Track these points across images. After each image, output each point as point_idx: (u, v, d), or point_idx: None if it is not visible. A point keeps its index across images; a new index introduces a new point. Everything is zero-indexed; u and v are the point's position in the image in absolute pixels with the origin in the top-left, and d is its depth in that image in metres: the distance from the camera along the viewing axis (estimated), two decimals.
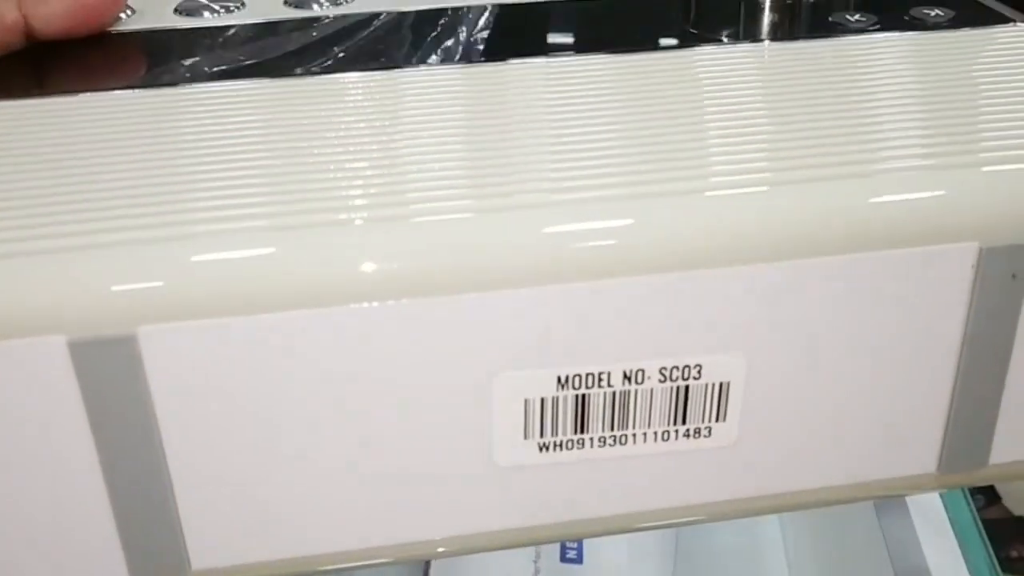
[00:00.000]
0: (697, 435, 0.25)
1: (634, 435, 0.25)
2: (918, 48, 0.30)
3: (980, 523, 0.35)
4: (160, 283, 0.22)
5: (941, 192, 0.24)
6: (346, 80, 0.29)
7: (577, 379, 0.24)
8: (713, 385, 0.25)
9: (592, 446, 0.25)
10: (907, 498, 0.35)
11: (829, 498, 0.27)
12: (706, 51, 0.30)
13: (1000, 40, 0.30)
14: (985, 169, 0.24)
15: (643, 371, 0.24)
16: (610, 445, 0.25)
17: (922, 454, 0.26)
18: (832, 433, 0.26)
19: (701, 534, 0.40)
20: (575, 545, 0.38)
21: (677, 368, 0.24)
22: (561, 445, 0.25)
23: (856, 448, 0.26)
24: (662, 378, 0.24)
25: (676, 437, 0.25)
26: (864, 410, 0.25)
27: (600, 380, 0.24)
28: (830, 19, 0.32)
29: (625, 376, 0.24)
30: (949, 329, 0.25)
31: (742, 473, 0.26)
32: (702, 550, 0.39)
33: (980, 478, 0.27)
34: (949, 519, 0.34)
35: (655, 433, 0.25)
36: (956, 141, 0.25)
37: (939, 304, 0.24)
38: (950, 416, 0.26)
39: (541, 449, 0.25)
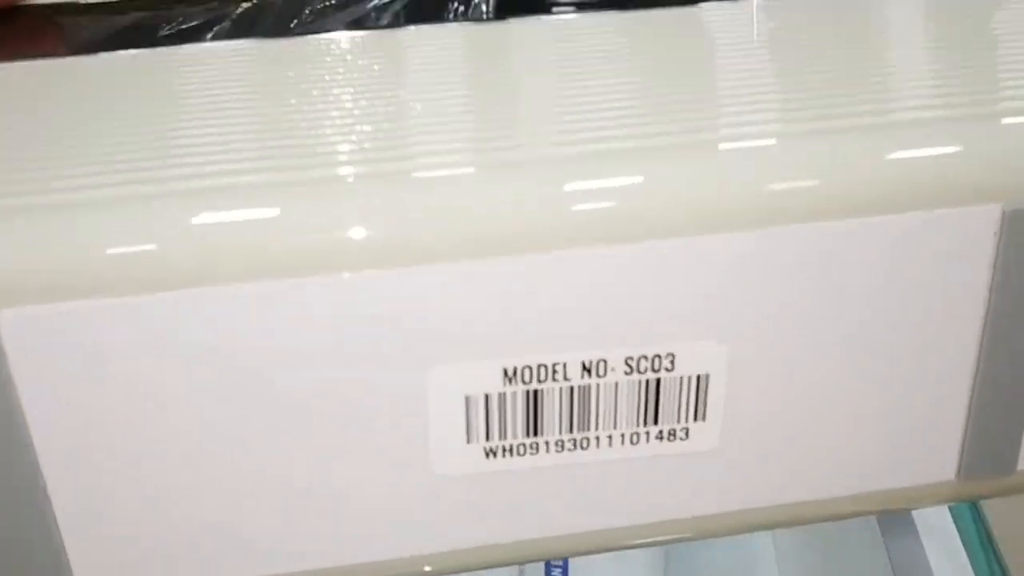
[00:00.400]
0: (672, 437, 0.21)
1: (597, 438, 0.21)
2: None
3: (991, 540, 0.31)
4: (24, 259, 0.19)
5: (957, 146, 0.20)
6: (314, 42, 0.25)
7: (527, 371, 0.20)
8: (689, 378, 0.21)
9: (548, 451, 0.21)
10: (913, 511, 0.32)
11: (828, 512, 0.23)
12: (712, 5, 0.26)
13: None
14: (1009, 120, 0.21)
15: (605, 361, 0.21)
16: (569, 450, 0.21)
17: (938, 459, 0.22)
18: (831, 436, 0.22)
19: (692, 543, 0.36)
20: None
21: (646, 358, 0.21)
22: (511, 450, 0.21)
23: (860, 453, 0.22)
24: (628, 370, 0.21)
25: (647, 440, 0.21)
26: (869, 407, 0.22)
27: (555, 372, 0.21)
28: None
29: (584, 368, 0.21)
30: (968, 309, 0.21)
31: (726, 483, 0.22)
32: (693, 560, 0.35)
33: (1007, 487, 0.23)
34: (959, 535, 0.31)
35: (622, 436, 0.21)
36: (976, 90, 0.21)
37: (955, 278, 0.21)
38: (970, 413, 0.22)
39: (488, 455, 0.21)
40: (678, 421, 0.21)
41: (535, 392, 0.21)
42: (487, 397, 0.21)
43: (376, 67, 0.24)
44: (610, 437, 0.21)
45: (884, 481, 0.22)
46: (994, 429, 0.22)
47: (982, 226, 0.20)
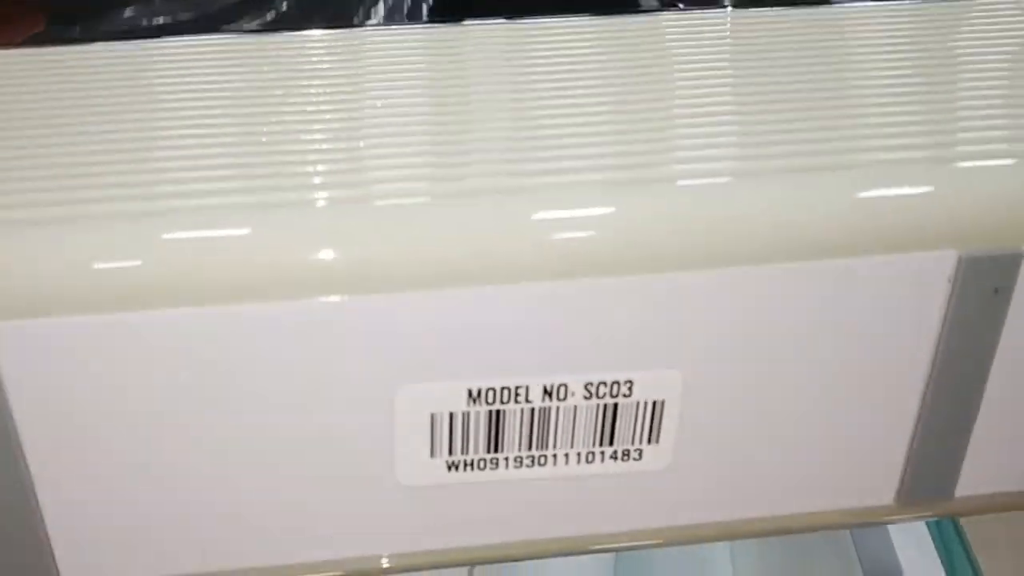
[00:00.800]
0: (626, 458, 0.22)
1: (555, 456, 0.22)
2: (905, 18, 0.27)
3: (961, 536, 0.32)
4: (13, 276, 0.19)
5: (914, 191, 0.21)
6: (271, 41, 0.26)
7: (491, 393, 0.21)
8: (645, 403, 0.22)
9: (507, 467, 0.22)
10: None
11: (770, 528, 0.24)
12: (672, 18, 0.26)
13: (1000, 10, 0.27)
14: (965, 164, 0.21)
15: (566, 386, 0.21)
16: (527, 466, 0.22)
17: (879, 484, 0.23)
18: (778, 459, 0.23)
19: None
20: None
21: (604, 384, 0.21)
22: (472, 464, 0.22)
23: (805, 476, 0.23)
24: (587, 394, 0.21)
25: (602, 460, 0.22)
26: (816, 435, 0.23)
27: (517, 395, 0.21)
28: None
29: (545, 391, 0.21)
30: (918, 348, 0.22)
31: (675, 500, 0.23)
32: (644, 555, 0.37)
33: (943, 511, 0.24)
34: (929, 529, 0.32)
35: (578, 455, 0.22)
36: (934, 131, 0.22)
37: (908, 320, 0.21)
38: (913, 443, 0.23)
39: (450, 468, 0.22)
40: (632, 443, 0.22)
41: (497, 412, 0.21)
42: (451, 415, 0.21)
43: (352, 76, 0.24)
44: (567, 455, 0.22)
45: (826, 502, 0.24)
46: (934, 460, 0.23)
47: (937, 270, 0.21)
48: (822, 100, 0.23)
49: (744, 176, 0.21)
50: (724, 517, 0.23)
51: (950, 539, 0.33)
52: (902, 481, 0.23)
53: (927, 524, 0.33)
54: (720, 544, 0.35)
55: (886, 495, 0.23)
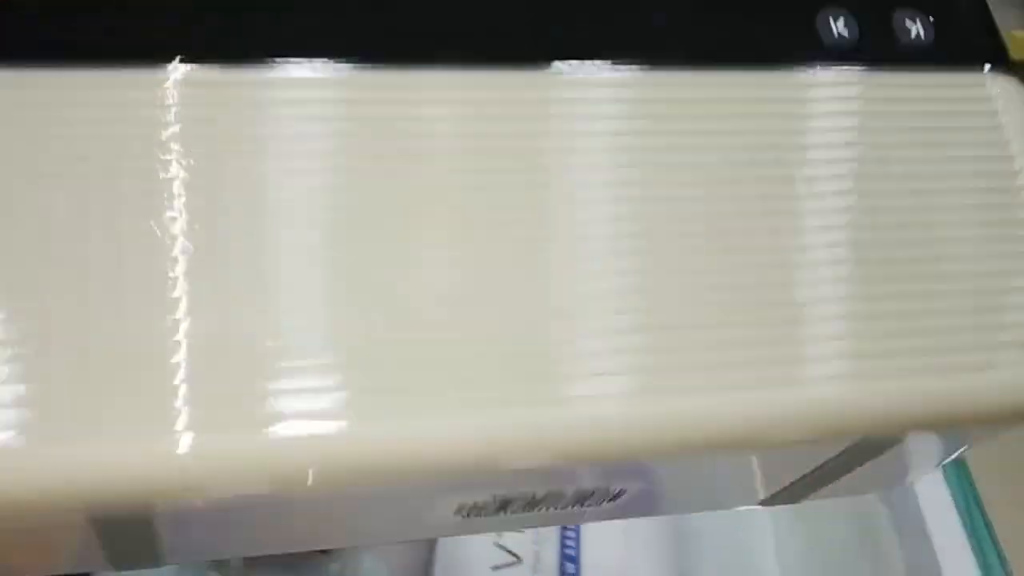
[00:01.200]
0: (592, 505, 0.31)
1: (543, 510, 0.30)
2: (865, 108, 0.28)
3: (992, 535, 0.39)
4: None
5: (825, 402, 0.26)
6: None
7: (506, 496, 0.28)
8: (613, 489, 0.30)
9: (507, 515, 0.30)
10: (928, 524, 0.39)
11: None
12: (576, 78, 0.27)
13: (963, 116, 0.29)
14: (876, 383, 0.26)
15: (562, 491, 0.29)
16: (523, 513, 0.30)
17: (751, 499, 0.33)
18: (691, 501, 0.32)
19: (701, 547, 0.42)
20: (573, 569, 0.40)
21: (591, 491, 0.29)
22: (480, 515, 0.30)
23: (707, 498, 0.32)
24: (577, 494, 0.29)
25: (575, 507, 0.30)
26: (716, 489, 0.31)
27: (525, 497, 0.29)
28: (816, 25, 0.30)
29: (548, 493, 0.29)
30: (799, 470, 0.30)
31: (615, 510, 0.32)
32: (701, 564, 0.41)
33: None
34: (970, 543, 0.38)
35: (560, 509, 0.30)
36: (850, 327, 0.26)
37: (801, 457, 0.29)
38: (779, 493, 0.32)
39: (463, 517, 0.30)
40: (599, 502, 0.30)
41: (507, 500, 0.29)
42: (475, 503, 0.29)
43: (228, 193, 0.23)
44: (552, 510, 0.30)
45: (713, 505, 0.33)
46: (791, 499, 0.33)
47: (838, 444, 0.28)
48: (747, 286, 0.26)
49: (658, 394, 0.25)
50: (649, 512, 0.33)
51: (986, 545, 0.40)
52: (767, 498, 0.33)
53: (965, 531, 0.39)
54: (767, 541, 0.42)
55: (751, 502, 0.33)
